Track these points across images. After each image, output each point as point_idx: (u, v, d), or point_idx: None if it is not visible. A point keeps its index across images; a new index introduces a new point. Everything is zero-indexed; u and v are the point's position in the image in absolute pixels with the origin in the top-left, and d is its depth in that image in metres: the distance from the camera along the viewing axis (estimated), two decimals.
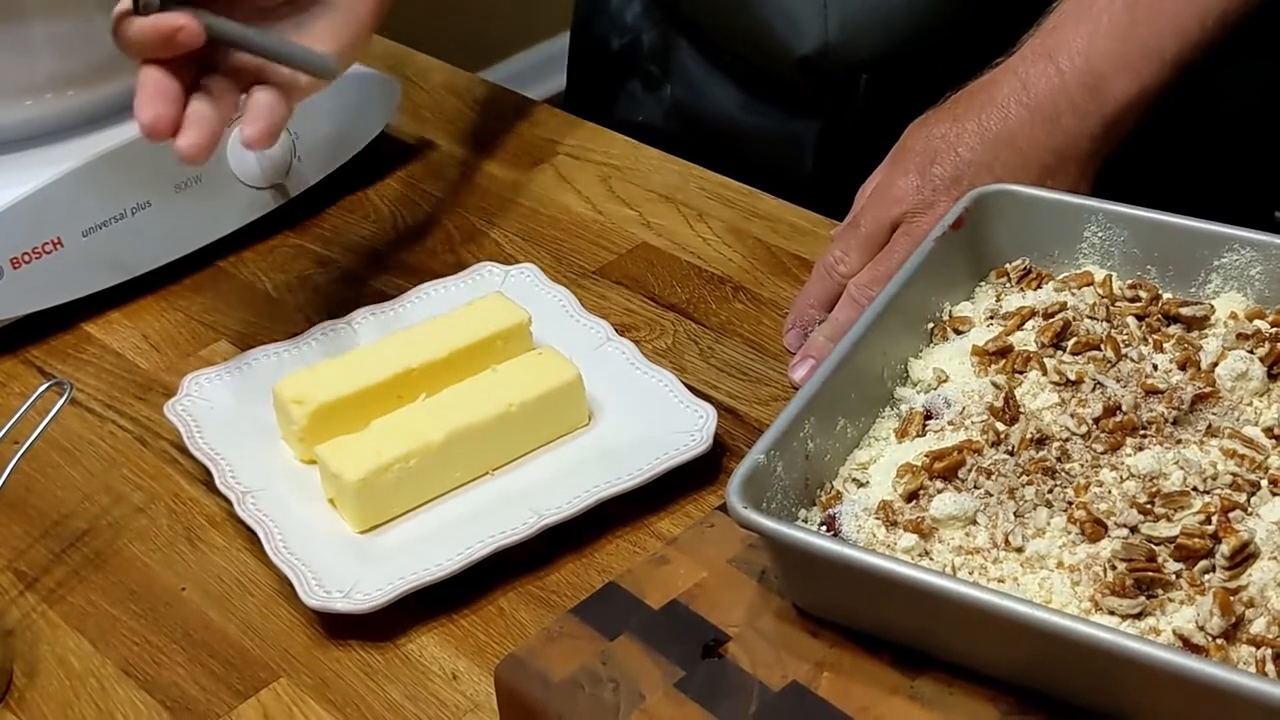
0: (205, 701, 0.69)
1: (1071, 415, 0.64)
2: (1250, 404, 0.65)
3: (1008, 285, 0.74)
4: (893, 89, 0.98)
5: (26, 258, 0.88)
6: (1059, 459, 0.63)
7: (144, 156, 0.92)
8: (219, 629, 0.73)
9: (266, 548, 0.73)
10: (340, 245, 0.97)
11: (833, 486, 0.65)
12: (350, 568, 0.72)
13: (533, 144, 1.06)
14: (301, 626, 0.72)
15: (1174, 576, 0.57)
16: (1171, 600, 0.57)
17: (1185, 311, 0.69)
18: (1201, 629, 0.55)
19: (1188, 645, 0.55)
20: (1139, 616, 0.56)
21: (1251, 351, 0.66)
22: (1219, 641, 0.55)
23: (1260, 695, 0.51)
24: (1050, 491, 0.62)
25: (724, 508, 0.61)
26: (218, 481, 0.77)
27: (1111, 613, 0.57)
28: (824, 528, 0.63)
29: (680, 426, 0.79)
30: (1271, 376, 0.65)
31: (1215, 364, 0.66)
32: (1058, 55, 0.80)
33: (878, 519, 0.62)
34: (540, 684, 0.60)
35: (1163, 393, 0.65)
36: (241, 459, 0.78)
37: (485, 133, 1.07)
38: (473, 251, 0.96)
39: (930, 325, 0.73)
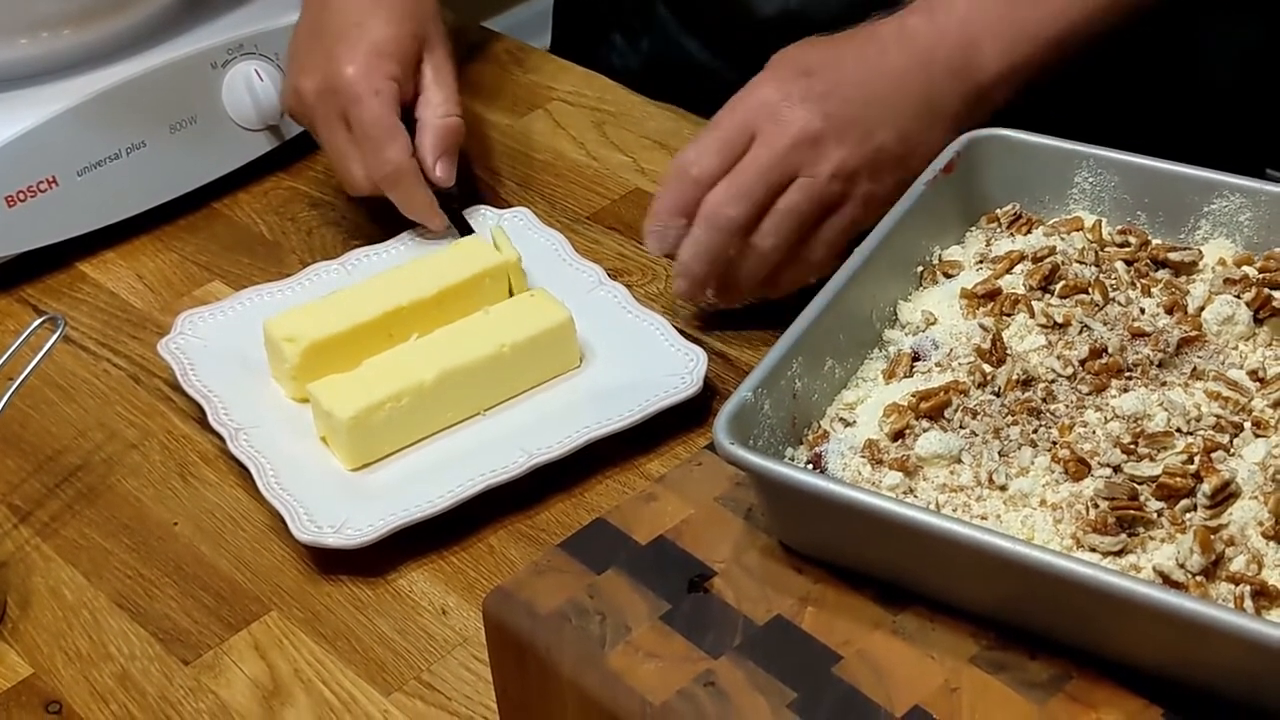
0: (197, 633, 0.70)
1: (1058, 357, 0.65)
2: (1236, 348, 0.65)
3: (998, 230, 0.75)
4: None
5: (21, 196, 0.89)
6: (1044, 400, 0.63)
7: (139, 96, 0.92)
8: (210, 563, 0.74)
9: (259, 483, 0.74)
10: (334, 188, 0.98)
11: (820, 426, 0.65)
12: (341, 504, 0.73)
13: (527, 89, 1.06)
14: (293, 561, 0.73)
15: (1155, 515, 0.58)
16: (1153, 538, 0.57)
17: (1173, 257, 0.70)
18: (1182, 566, 0.56)
19: (1168, 582, 0.56)
20: (1120, 554, 0.57)
21: (1238, 296, 0.66)
22: (1199, 578, 0.56)
23: (1238, 629, 0.52)
24: (1035, 432, 0.62)
25: (712, 446, 0.62)
26: (210, 419, 0.78)
27: (1093, 549, 0.57)
28: (810, 465, 0.63)
29: (670, 369, 0.79)
30: (1257, 321, 0.66)
31: (1202, 308, 0.66)
32: (938, 12, 0.81)
33: (863, 457, 0.63)
34: (527, 616, 0.60)
35: (1149, 336, 0.65)
36: (234, 397, 0.79)
37: (479, 78, 1.07)
38: (466, 195, 0.96)
39: (920, 269, 0.73)
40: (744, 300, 0.84)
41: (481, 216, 0.90)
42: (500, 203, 0.94)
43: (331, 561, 0.73)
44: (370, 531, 0.71)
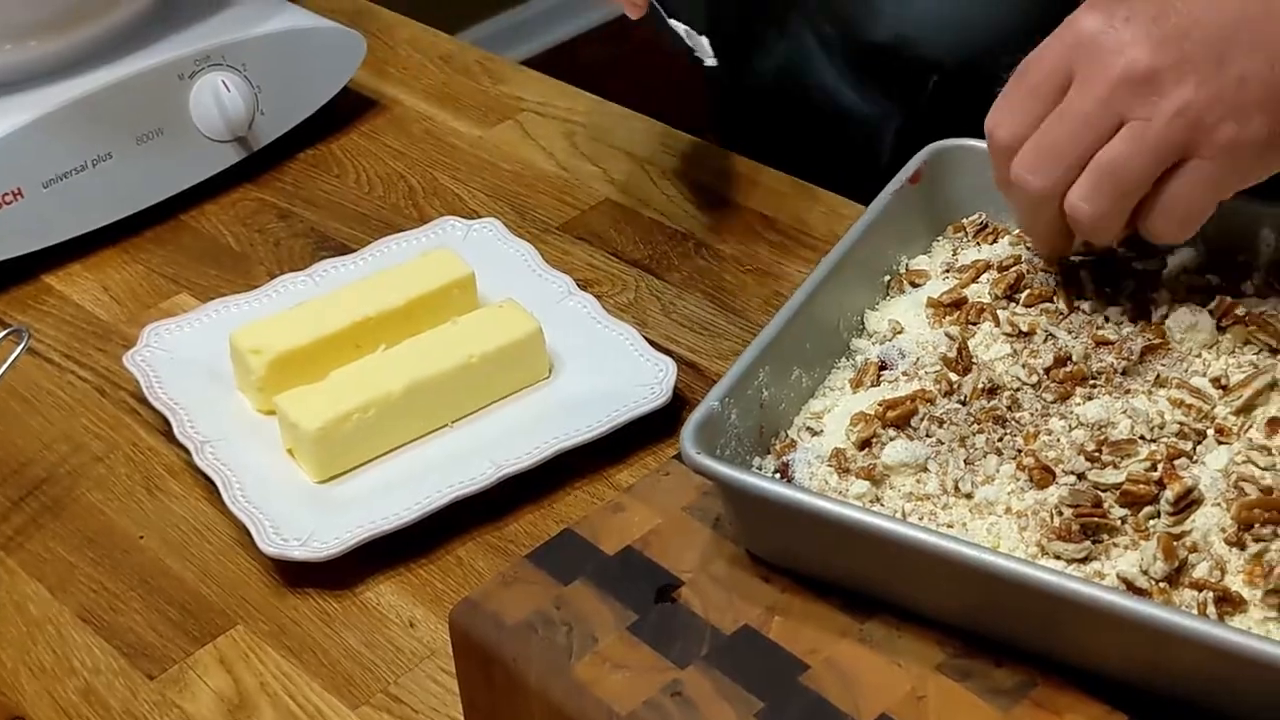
0: (162, 647, 0.70)
1: (1023, 365, 0.65)
2: (1199, 355, 0.65)
3: (964, 239, 0.75)
4: (960, 93, 0.95)
5: None
6: (1009, 408, 0.63)
7: (105, 108, 0.91)
8: (176, 576, 0.73)
9: (225, 496, 0.73)
10: (302, 199, 0.97)
11: (787, 435, 0.65)
12: (308, 516, 0.73)
13: (498, 100, 1.06)
14: (259, 574, 0.73)
15: (1119, 522, 0.58)
16: (1116, 545, 0.58)
17: (1138, 265, 0.70)
18: (1145, 573, 0.56)
19: (1131, 588, 0.56)
20: (1084, 561, 0.57)
21: (1201, 304, 0.67)
22: (1162, 585, 0.56)
23: (1201, 636, 0.52)
24: (1000, 440, 0.62)
25: (680, 456, 0.62)
26: (176, 431, 0.77)
27: (1057, 557, 0.57)
28: (778, 475, 0.63)
29: (640, 380, 0.79)
30: (1220, 329, 0.66)
31: (1166, 316, 0.67)
32: None
33: (830, 466, 0.63)
34: (494, 627, 0.60)
35: (1113, 344, 0.65)
36: (200, 409, 0.78)
37: (450, 88, 1.07)
38: (435, 206, 0.96)
39: (887, 278, 0.73)
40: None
41: (450, 228, 0.90)
42: (469, 213, 0.94)
43: (298, 574, 0.72)
44: (337, 544, 0.71)
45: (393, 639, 0.69)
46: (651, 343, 0.82)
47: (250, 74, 0.96)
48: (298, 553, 0.71)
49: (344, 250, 0.90)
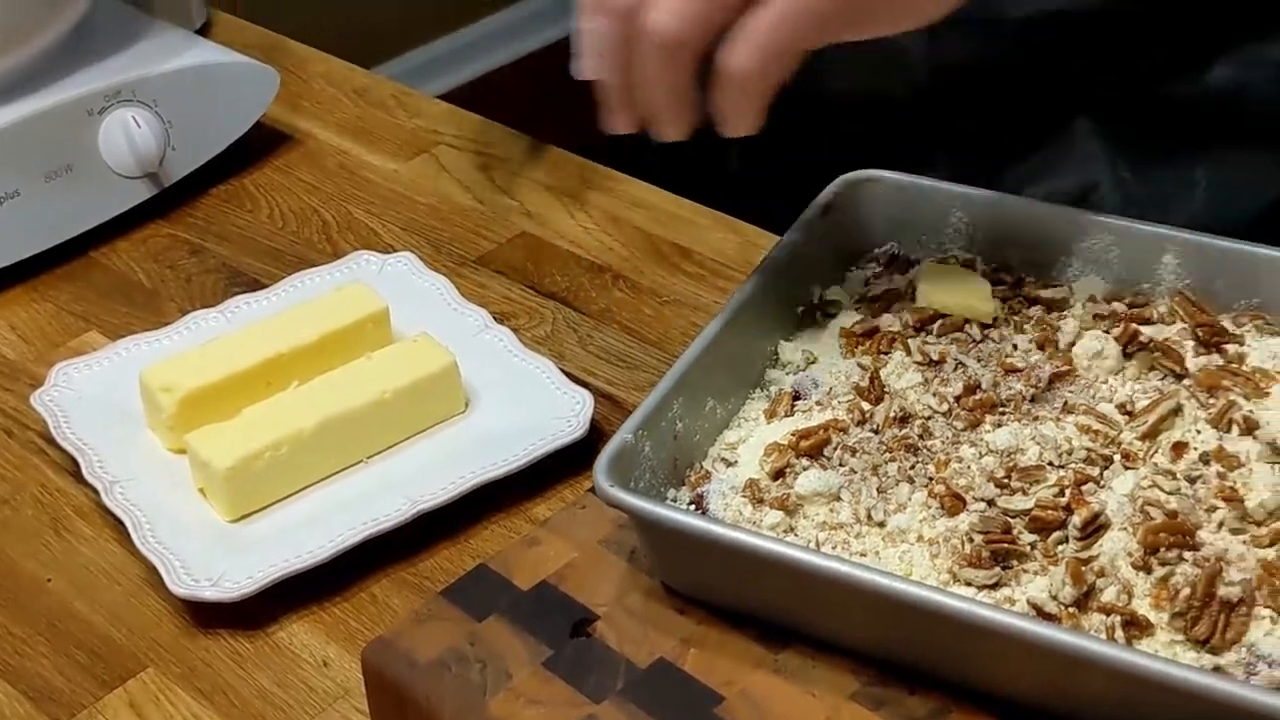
0: (70, 692, 0.68)
1: (934, 394, 0.65)
2: (1105, 382, 0.66)
3: (877, 270, 0.75)
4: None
5: None
6: (921, 436, 0.64)
7: (13, 145, 0.90)
8: (85, 619, 0.72)
9: (134, 537, 0.72)
10: (214, 234, 0.96)
11: (702, 466, 0.66)
12: (219, 556, 0.72)
13: (413, 134, 1.05)
14: (170, 616, 0.72)
15: (1029, 548, 0.59)
16: (1026, 571, 0.58)
17: (1045, 294, 0.71)
18: (1054, 598, 0.57)
19: (1040, 614, 0.56)
20: (994, 587, 0.58)
21: (1107, 331, 0.68)
22: (1071, 610, 0.56)
23: (1107, 660, 0.52)
24: (912, 468, 0.63)
25: (594, 489, 0.61)
26: (85, 471, 0.76)
27: (968, 584, 0.58)
28: (692, 506, 0.63)
29: (557, 413, 0.79)
30: (1126, 355, 0.67)
31: (1072, 343, 0.67)
32: None
33: (744, 497, 0.63)
34: (407, 665, 0.59)
35: (1021, 371, 0.66)
36: (110, 449, 0.77)
37: (364, 122, 1.07)
38: (349, 240, 0.95)
39: (801, 309, 0.73)
40: (680, 125, 0.66)
41: (365, 262, 0.90)
42: (384, 248, 0.94)
43: (209, 615, 0.71)
44: (249, 583, 0.70)
45: (306, 679, 0.69)
46: (569, 375, 0.82)
47: (161, 110, 0.95)
48: (209, 593, 0.70)
49: (257, 286, 0.89)
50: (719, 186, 1.00)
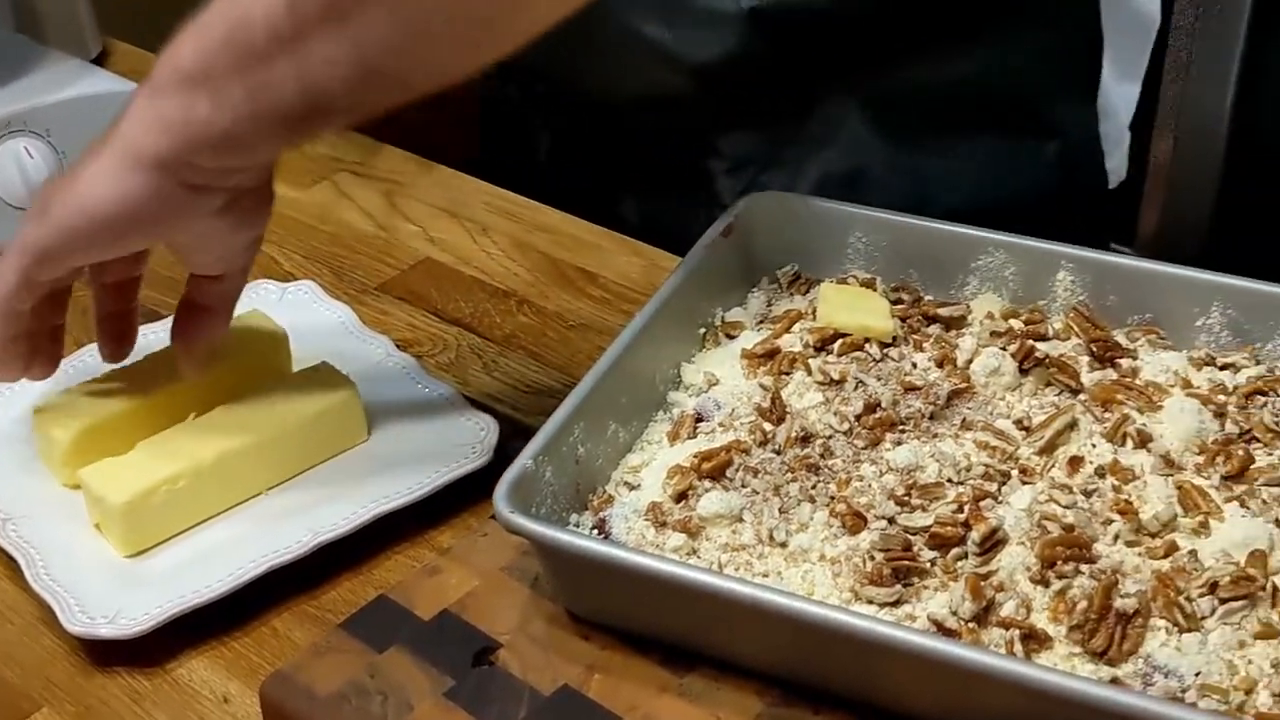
0: None
1: (835, 413, 0.66)
2: (1003, 398, 0.67)
3: (778, 290, 0.76)
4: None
5: None
6: (822, 456, 0.64)
7: None
8: None
9: (26, 575, 0.71)
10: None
11: (604, 490, 0.65)
12: (116, 593, 0.70)
13: (313, 161, 1.04)
14: (64, 655, 0.70)
15: (929, 564, 0.59)
16: (926, 587, 0.58)
17: (943, 312, 0.71)
18: (954, 613, 0.57)
19: (941, 629, 0.56)
20: (896, 604, 0.58)
21: (1004, 349, 0.68)
22: (970, 625, 0.57)
23: (1007, 674, 0.53)
24: (814, 487, 0.63)
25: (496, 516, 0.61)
26: None
27: (870, 601, 0.58)
28: (595, 531, 0.63)
29: (461, 440, 0.78)
30: (1022, 371, 0.68)
31: (970, 361, 0.68)
32: None
33: (647, 520, 0.63)
34: (306, 699, 0.58)
35: (921, 389, 0.66)
36: (1, 485, 0.75)
37: None
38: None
39: (703, 330, 0.73)
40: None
41: (265, 290, 0.89)
42: (285, 276, 0.93)
43: (106, 653, 0.69)
44: (146, 620, 0.68)
45: (206, 716, 0.67)
46: (473, 402, 0.81)
47: (54, 139, 0.93)
48: (105, 630, 0.68)
49: (154, 317, 0.88)
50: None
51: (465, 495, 0.77)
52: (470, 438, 0.78)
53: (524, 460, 0.61)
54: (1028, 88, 0.93)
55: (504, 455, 0.78)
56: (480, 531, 0.66)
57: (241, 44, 0.59)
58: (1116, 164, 1.00)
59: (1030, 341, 0.68)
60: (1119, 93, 0.98)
